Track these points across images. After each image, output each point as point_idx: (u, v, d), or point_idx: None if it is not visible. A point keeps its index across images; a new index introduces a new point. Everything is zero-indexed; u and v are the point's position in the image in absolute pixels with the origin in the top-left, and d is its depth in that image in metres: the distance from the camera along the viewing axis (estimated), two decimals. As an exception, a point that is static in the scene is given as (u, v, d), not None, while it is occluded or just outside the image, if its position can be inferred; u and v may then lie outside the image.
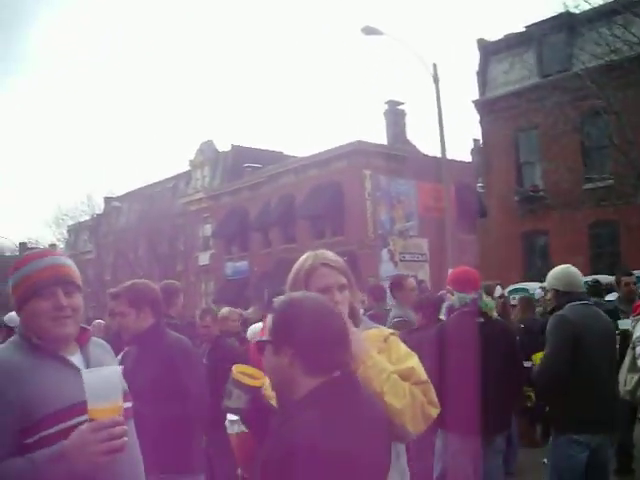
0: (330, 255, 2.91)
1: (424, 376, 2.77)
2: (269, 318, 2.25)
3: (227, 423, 2.58)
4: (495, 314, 6.02)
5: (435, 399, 2.78)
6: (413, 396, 2.62)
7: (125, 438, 2.20)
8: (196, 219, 43.85)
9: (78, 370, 2.40)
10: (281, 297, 2.30)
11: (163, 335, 4.22)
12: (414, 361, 2.82)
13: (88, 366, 2.45)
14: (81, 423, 2.21)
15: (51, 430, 2.21)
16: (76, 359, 2.47)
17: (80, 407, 2.27)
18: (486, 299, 5.40)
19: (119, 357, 5.50)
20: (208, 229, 43.78)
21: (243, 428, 2.57)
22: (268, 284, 24.89)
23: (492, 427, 4.92)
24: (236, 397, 2.83)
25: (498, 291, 10.09)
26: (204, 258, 43.96)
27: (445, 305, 6.06)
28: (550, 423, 5.23)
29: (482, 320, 5.19)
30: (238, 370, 2.80)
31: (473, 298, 5.27)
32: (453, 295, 5.42)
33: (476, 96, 28.37)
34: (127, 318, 4.25)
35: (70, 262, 2.54)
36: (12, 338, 2.46)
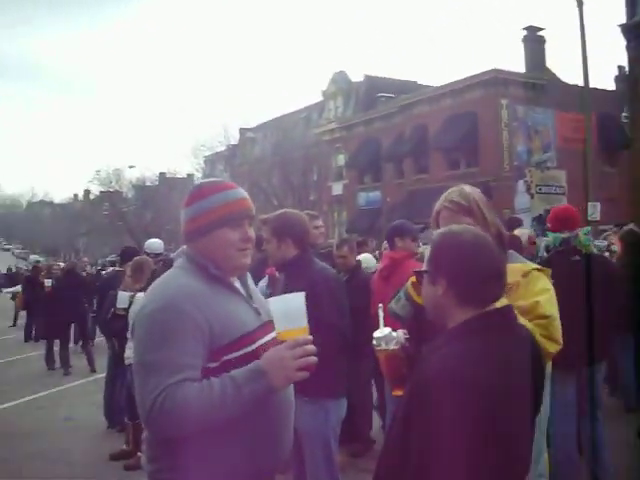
0: (455, 195, 2.95)
1: (548, 311, 2.76)
2: (427, 249, 2.30)
3: (374, 341, 2.66)
4: (593, 250, 5.86)
5: (557, 335, 2.77)
6: None
7: (315, 357, 2.29)
8: (329, 149, 44.01)
9: (246, 298, 2.54)
10: (442, 229, 2.34)
11: (309, 264, 4.33)
12: (543, 297, 2.80)
13: (247, 293, 2.57)
14: (261, 348, 2.35)
15: (233, 355, 2.31)
16: (238, 287, 2.57)
17: (257, 334, 2.41)
18: (582, 237, 5.27)
19: (262, 283, 5.77)
20: (341, 159, 43.92)
21: (391, 346, 2.63)
22: (400, 215, 24.85)
23: (590, 357, 4.91)
24: (402, 305, 2.91)
25: None
26: (337, 188, 44.22)
27: (543, 245, 5.99)
28: None
29: (577, 258, 5.12)
30: (413, 281, 2.85)
31: (565, 237, 5.19)
32: (548, 236, 5.40)
33: (623, 19, 26.80)
34: (269, 245, 4.40)
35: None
36: (180, 264, 2.52)
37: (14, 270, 48.08)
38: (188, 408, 2.17)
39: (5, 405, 10.41)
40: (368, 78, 44.72)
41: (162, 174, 60.96)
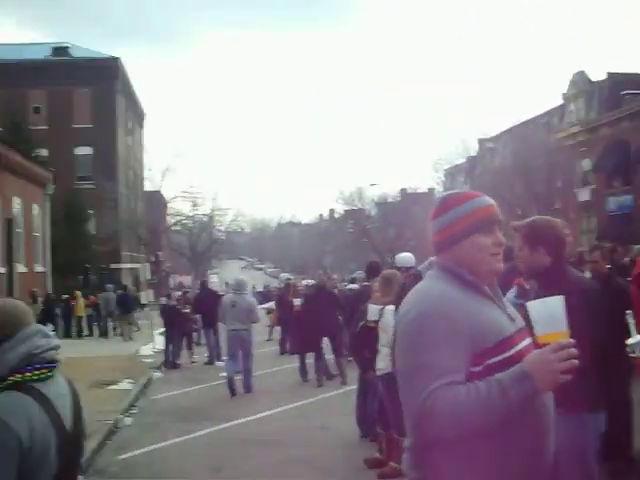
0: None
1: None
2: None
3: (627, 348, 2.57)
4: None
5: None
6: None
7: (577, 361, 2.24)
8: (573, 154, 42.35)
9: (499, 304, 2.54)
10: None
11: (563, 273, 4.22)
12: None
13: (498, 299, 2.56)
14: (518, 353, 2.34)
15: (496, 359, 2.32)
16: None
17: (514, 339, 2.41)
18: None
19: (510, 294, 5.69)
20: (587, 163, 42.14)
21: None
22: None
23: None
24: None
25: None
26: (583, 194, 42.44)
27: None
28: None
29: None
30: None
31: None
32: None
33: None
34: (521, 252, 4.32)
35: None
36: (433, 274, 2.57)
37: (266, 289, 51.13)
38: (459, 410, 2.20)
39: (263, 414, 11.08)
40: (611, 76, 42.56)
41: (403, 190, 62.09)
